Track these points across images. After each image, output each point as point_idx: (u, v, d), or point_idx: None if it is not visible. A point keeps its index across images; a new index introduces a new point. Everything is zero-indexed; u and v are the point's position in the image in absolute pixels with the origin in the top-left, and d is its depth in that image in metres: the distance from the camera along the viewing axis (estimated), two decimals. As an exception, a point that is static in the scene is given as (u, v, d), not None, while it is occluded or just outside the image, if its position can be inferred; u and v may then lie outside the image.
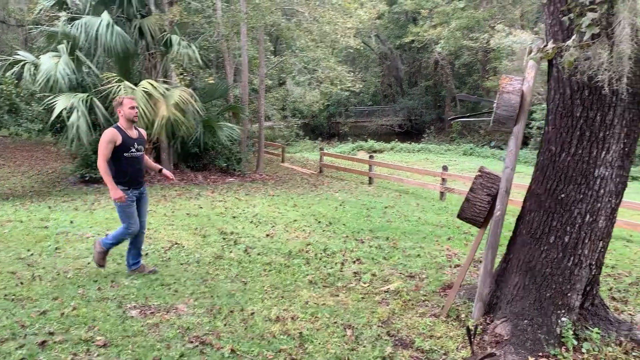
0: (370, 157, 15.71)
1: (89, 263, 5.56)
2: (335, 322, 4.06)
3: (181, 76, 11.76)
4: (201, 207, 9.13)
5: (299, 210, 9.25)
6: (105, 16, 10.91)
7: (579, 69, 3.31)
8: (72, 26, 11.13)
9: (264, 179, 14.64)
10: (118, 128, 4.95)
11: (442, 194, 12.67)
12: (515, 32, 20.54)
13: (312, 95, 17.04)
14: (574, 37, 3.18)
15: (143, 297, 4.57)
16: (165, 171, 5.46)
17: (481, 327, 3.85)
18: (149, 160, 5.42)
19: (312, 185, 13.91)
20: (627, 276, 5.74)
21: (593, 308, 3.82)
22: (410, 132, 36.46)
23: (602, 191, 3.59)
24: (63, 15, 11.61)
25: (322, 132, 36.05)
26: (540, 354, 3.49)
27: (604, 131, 3.54)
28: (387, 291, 4.82)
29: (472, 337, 3.50)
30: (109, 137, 4.85)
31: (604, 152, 3.56)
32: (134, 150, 5.00)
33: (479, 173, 3.98)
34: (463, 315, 4.08)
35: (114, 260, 5.72)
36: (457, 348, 3.64)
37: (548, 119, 3.82)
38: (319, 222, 8.25)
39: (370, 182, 15.03)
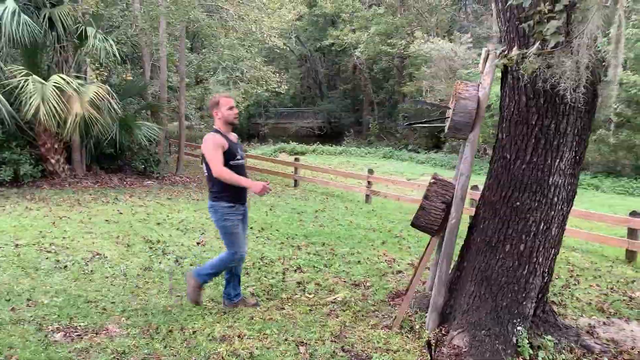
0: (296, 159, 15.53)
1: (-3, 279, 4.92)
2: (286, 339, 3.80)
3: (97, 71, 10.94)
4: (121, 213, 8.50)
5: (228, 215, 8.85)
6: (11, 3, 9.91)
7: (541, 76, 3.29)
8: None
9: (184, 181, 14.02)
10: (218, 132, 4.18)
11: (367, 196, 12.72)
12: (433, 40, 21.19)
13: (236, 95, 16.53)
14: (537, 44, 3.15)
15: (67, 318, 4.07)
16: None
17: (437, 338, 3.75)
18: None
19: (236, 188, 13.47)
20: (557, 278, 5.93)
21: (544, 315, 3.85)
22: (330, 135, 36.73)
23: (555, 199, 3.61)
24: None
25: (241, 133, 35.38)
26: (500, 365, 3.44)
27: (558, 139, 3.56)
28: (334, 302, 4.63)
29: (432, 351, 3.38)
30: (216, 141, 4.07)
31: (557, 160, 3.58)
32: (239, 157, 4.24)
33: (433, 180, 3.89)
34: (417, 326, 3.97)
35: (27, 274, 5.11)
36: (416, 362, 3.51)
37: (502, 126, 3.80)
38: (251, 228, 7.92)
39: (296, 184, 14.85)
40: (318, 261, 6.04)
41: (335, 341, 3.81)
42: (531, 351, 3.54)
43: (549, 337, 3.66)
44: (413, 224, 3.97)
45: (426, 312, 4.13)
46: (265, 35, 14.50)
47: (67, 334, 3.79)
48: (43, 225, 7.29)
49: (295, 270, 5.63)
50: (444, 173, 20.28)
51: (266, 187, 4.07)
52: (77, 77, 11.06)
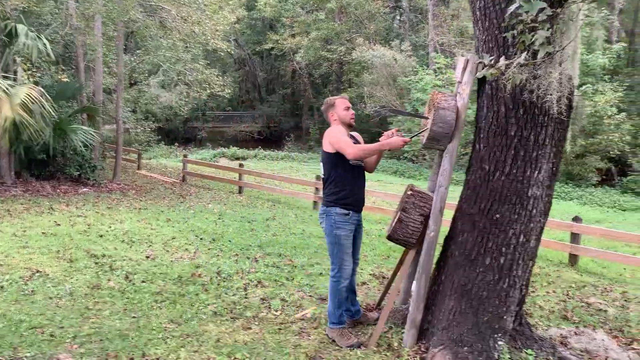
0: (241, 165, 15.16)
1: None
2: (260, 363, 3.56)
3: (29, 72, 10.16)
4: (58, 224, 7.89)
5: (175, 226, 8.44)
6: None
7: (527, 87, 3.24)
8: None
9: (122, 188, 13.33)
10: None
11: (315, 203, 12.57)
12: (374, 47, 21.41)
13: (180, 98, 15.95)
14: (524, 54, 3.09)
15: (9, 347, 3.63)
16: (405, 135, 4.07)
17: (418, 356, 3.63)
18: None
19: (179, 195, 12.98)
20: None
21: (520, 328, 3.81)
22: (269, 139, 36.43)
23: (534, 211, 3.58)
24: None
25: (177, 137, 34.40)
26: (484, 382, 3.35)
27: (537, 151, 3.53)
28: (303, 319, 4.42)
29: (418, 371, 3.25)
30: (340, 129, 3.83)
31: (536, 172, 3.55)
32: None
33: (411, 192, 3.77)
34: (395, 344, 3.82)
35: (-43, 298, 4.57)
36: (399, 383, 3.36)
37: (479, 137, 3.73)
38: (201, 239, 7.57)
39: (240, 191, 14.49)
40: (279, 274, 5.79)
41: (311, 363, 3.60)
42: (513, 366, 3.48)
43: (529, 350, 3.62)
44: (390, 237, 3.84)
45: (401, 328, 4.00)
46: (208, 38, 14.05)
47: (12, 368, 3.37)
48: (-27, 240, 6.63)
49: (256, 285, 5.36)
50: (386, 178, 20.53)
51: (405, 140, 3.75)
52: (5, 78, 10.25)
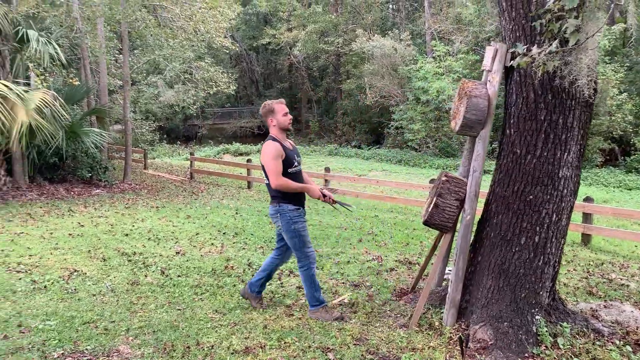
0: (248, 160, 15.30)
1: (-27, 306, 4.52)
2: (309, 347, 3.73)
3: (42, 77, 10.27)
4: (82, 225, 8.05)
5: (196, 222, 8.61)
6: (-60, 4, 9.14)
7: (559, 74, 3.40)
8: None
9: (134, 188, 13.47)
10: (276, 140, 4.12)
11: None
12: (374, 37, 21.51)
13: (187, 97, 16.06)
14: (555, 42, 3.25)
15: (70, 341, 3.80)
16: (325, 191, 4.40)
17: (459, 333, 3.81)
18: (304, 173, 4.48)
19: (191, 193, 13.13)
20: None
21: (554, 303, 3.99)
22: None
23: (565, 191, 3.75)
24: None
25: (177, 135, 34.51)
26: (526, 355, 3.53)
27: (566, 133, 3.70)
28: (341, 304, 4.60)
29: (464, 346, 3.43)
30: (275, 151, 4.04)
31: (566, 154, 3.72)
32: (296, 164, 4.22)
33: (446, 178, 3.94)
34: (436, 323, 4.01)
35: (6, 297, 4.74)
36: (445, 359, 3.54)
37: (510, 122, 3.89)
38: (224, 233, 7.74)
39: (250, 186, 14.66)
40: (307, 264, 5.96)
41: (358, 344, 3.78)
42: (551, 339, 3.66)
43: (564, 323, 3.80)
44: (427, 223, 4.00)
45: (439, 308, 4.19)
46: (212, 35, 14.16)
47: (77, 359, 3.54)
48: (1, 244, 6.77)
49: (288, 275, 5.54)
50: (390, 167, 20.71)
51: (322, 195, 4.17)
52: (17, 83, 10.36)
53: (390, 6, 33.45)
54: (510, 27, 3.80)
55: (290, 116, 4.27)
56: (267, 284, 4.72)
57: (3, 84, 9.31)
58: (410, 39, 23.20)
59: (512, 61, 3.60)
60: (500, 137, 4.06)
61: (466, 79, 3.99)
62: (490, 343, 3.60)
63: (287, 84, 38.01)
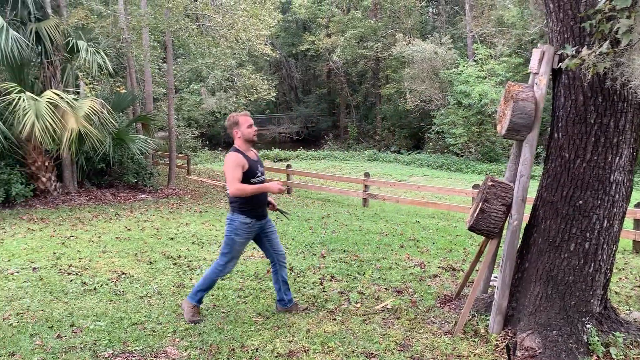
0: (288, 166, 15.43)
1: (29, 306, 4.71)
2: (353, 351, 3.73)
3: (91, 85, 10.66)
4: (129, 229, 8.28)
5: (237, 226, 8.71)
6: (-2, 19, 9.60)
7: (610, 75, 3.31)
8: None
9: (178, 193, 13.78)
10: (238, 151, 4.22)
11: (365, 200, 12.71)
12: (414, 42, 21.38)
13: (230, 104, 16.37)
14: (606, 43, 3.16)
15: (119, 342, 3.91)
16: (270, 199, 4.57)
17: (506, 340, 3.73)
18: None
19: (232, 198, 13.31)
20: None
21: (606, 312, 3.87)
22: (308, 140, 36.75)
23: (617, 196, 3.64)
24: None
25: (219, 142, 35.08)
26: (577, 364, 3.43)
27: (617, 137, 3.59)
28: (384, 310, 4.57)
29: (512, 354, 3.36)
30: (236, 160, 4.13)
31: (617, 158, 3.61)
32: (259, 174, 4.29)
33: (492, 183, 3.88)
34: (482, 330, 3.94)
35: (58, 298, 4.92)
36: (492, 367, 3.48)
37: (558, 126, 3.81)
38: (265, 237, 7.80)
39: (289, 191, 14.76)
40: (349, 269, 5.97)
41: (402, 350, 3.75)
42: (603, 348, 3.55)
43: (617, 333, 3.68)
44: (472, 228, 3.95)
45: (484, 315, 4.11)
46: (254, 43, 14.39)
47: (126, 359, 3.64)
48: (53, 246, 7.05)
49: (330, 279, 5.55)
50: (431, 172, 20.50)
51: (281, 188, 4.23)
52: (67, 91, 10.77)
53: (431, 10, 33.19)
54: (558, 28, 3.72)
55: (255, 128, 4.33)
56: (306, 287, 4.74)
57: (54, 93, 9.70)
58: (451, 43, 22.96)
59: (560, 63, 3.52)
60: (548, 141, 3.97)
61: (512, 81, 3.92)
62: (538, 352, 3.52)
63: (326, 89, 38.16)
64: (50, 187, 11.27)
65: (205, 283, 4.36)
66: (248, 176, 4.18)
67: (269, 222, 4.48)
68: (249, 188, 4.13)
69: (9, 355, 3.66)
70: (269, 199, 4.50)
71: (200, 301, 4.43)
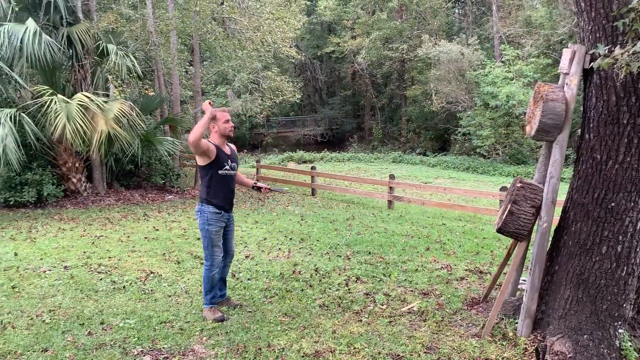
0: (313, 168, 15.46)
1: (61, 304, 4.82)
2: (380, 353, 3.72)
3: (120, 88, 10.87)
4: (157, 230, 8.41)
5: (263, 227, 8.78)
6: (31, 23, 9.84)
7: (644, 75, 3.24)
8: (-11, 34, 9.94)
9: (204, 194, 13.91)
10: (212, 144, 4.35)
11: (390, 202, 12.64)
12: (440, 43, 21.22)
13: (255, 106, 16.50)
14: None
15: (148, 340, 3.98)
16: (259, 184, 4.83)
17: (535, 344, 3.68)
18: (240, 175, 4.79)
19: (257, 199, 13.41)
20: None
21: (639, 316, 3.78)
22: (332, 142, 36.76)
23: (651, 198, 3.55)
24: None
25: (244, 144, 35.36)
26: (608, 370, 3.37)
27: (651, 138, 3.50)
28: (410, 312, 4.55)
29: (541, 358, 3.31)
30: (206, 142, 4.24)
31: (651, 159, 3.52)
32: (227, 167, 4.43)
33: (521, 184, 3.83)
34: (510, 334, 3.89)
35: (89, 296, 5.02)
36: (521, 371, 3.43)
37: (589, 126, 3.74)
38: (290, 239, 7.85)
39: (314, 193, 14.78)
40: (374, 271, 5.95)
41: (429, 353, 3.73)
42: (636, 354, 3.47)
43: (651, 339, 3.59)
44: (500, 230, 3.90)
45: (513, 318, 4.06)
46: (279, 45, 14.49)
47: (155, 357, 3.70)
48: (83, 246, 7.20)
49: (355, 281, 5.55)
50: (458, 175, 20.30)
51: (207, 105, 4.30)
52: (97, 94, 10.99)
53: (457, 11, 32.91)
54: (590, 27, 3.66)
55: (232, 124, 4.44)
56: (337, 287, 4.74)
57: (85, 95, 9.92)
58: (477, 43, 22.72)
59: (591, 63, 3.46)
60: (578, 142, 3.90)
61: (541, 82, 3.86)
62: (569, 356, 3.46)
63: (351, 91, 38.12)
64: (80, 188, 11.51)
65: (206, 284, 4.46)
66: (215, 167, 4.33)
67: (232, 219, 4.65)
68: (199, 123, 4.14)
69: (42, 350, 3.75)
70: (260, 184, 4.77)
71: (213, 302, 4.51)
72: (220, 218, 4.41)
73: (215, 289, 4.56)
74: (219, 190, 4.39)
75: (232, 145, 4.68)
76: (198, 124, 4.14)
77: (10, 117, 9.34)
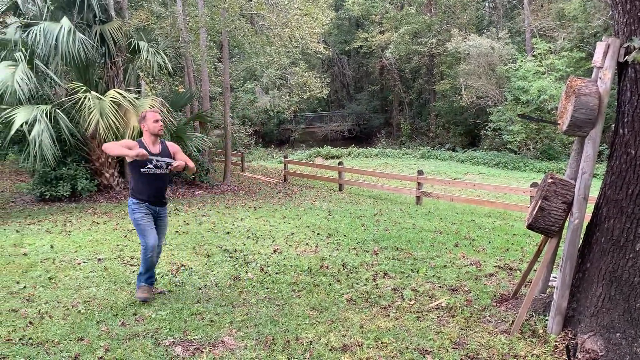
0: (340, 163, 15.48)
1: (95, 295, 4.96)
2: (407, 348, 3.73)
3: (151, 85, 11.06)
4: (187, 224, 8.55)
5: (291, 222, 8.85)
6: (66, 22, 10.09)
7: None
8: (27, 33, 10.22)
9: (233, 190, 14.09)
10: (140, 142, 4.65)
11: (418, 198, 12.57)
12: (470, 37, 20.95)
13: (283, 102, 16.62)
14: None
15: (179, 331, 4.07)
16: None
17: (565, 342, 3.63)
18: (188, 160, 4.97)
19: (285, 194, 13.50)
20: None
21: (674, 316, 3.69)
22: (360, 137, 36.68)
23: (688, 195, 3.47)
24: (16, 21, 10.66)
25: (272, 140, 35.58)
26: (642, 369, 3.31)
27: (689, 132, 3.42)
28: (438, 307, 4.54)
29: (572, 356, 3.27)
30: (128, 142, 4.69)
31: (688, 154, 3.44)
32: (151, 166, 4.64)
33: (552, 180, 3.78)
34: (540, 331, 3.85)
35: (122, 288, 5.15)
36: (551, 368, 3.40)
37: (623, 121, 3.67)
38: (318, 234, 7.89)
39: (341, 188, 14.80)
40: (402, 266, 5.95)
41: (457, 348, 3.72)
42: (671, 354, 3.40)
43: (686, 338, 3.51)
44: (530, 226, 3.86)
45: (543, 316, 4.02)
46: (307, 41, 14.53)
47: (186, 348, 3.78)
48: (116, 239, 7.37)
49: (383, 276, 5.55)
50: (487, 170, 20.05)
51: (141, 153, 4.43)
52: (129, 90, 11.21)
53: (487, 4, 32.40)
54: (625, 20, 3.58)
55: (160, 124, 4.70)
56: (358, 284, 4.76)
57: (117, 92, 10.12)
58: (508, 37, 22.35)
59: (626, 56, 3.40)
60: (612, 137, 3.83)
61: (574, 76, 3.80)
62: (600, 354, 3.41)
63: (379, 86, 37.95)
64: (113, 182, 11.77)
65: (142, 265, 4.73)
66: (137, 165, 4.60)
67: (163, 215, 4.91)
68: (113, 149, 4.51)
69: (78, 339, 3.88)
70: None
71: (150, 283, 4.84)
72: (143, 205, 4.66)
73: (152, 271, 4.84)
74: (143, 187, 4.66)
75: (171, 144, 4.92)
76: (119, 146, 4.54)
77: (46, 114, 9.60)
